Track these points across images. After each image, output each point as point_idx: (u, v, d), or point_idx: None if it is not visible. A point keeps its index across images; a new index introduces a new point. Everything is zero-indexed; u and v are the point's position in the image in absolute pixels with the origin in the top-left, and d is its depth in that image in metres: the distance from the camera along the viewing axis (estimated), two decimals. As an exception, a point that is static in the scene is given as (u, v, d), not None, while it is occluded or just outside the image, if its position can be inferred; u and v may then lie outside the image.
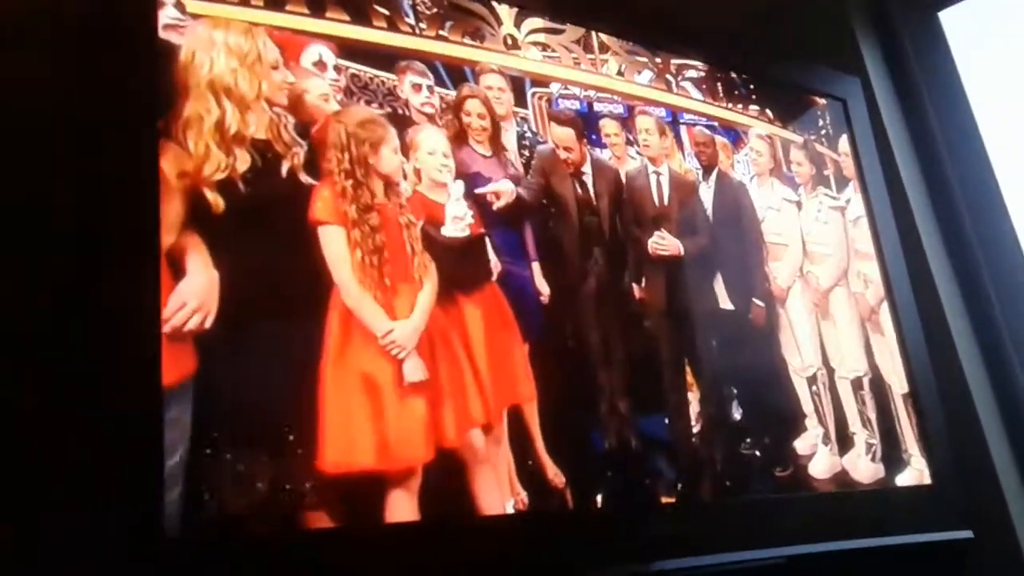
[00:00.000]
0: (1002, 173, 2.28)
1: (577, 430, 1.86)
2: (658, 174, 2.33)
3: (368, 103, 1.88)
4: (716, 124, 2.54)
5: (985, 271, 2.29)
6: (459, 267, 1.81)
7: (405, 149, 1.82)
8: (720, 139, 2.53)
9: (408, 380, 1.62)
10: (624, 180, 2.27)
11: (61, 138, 1.49)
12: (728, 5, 2.39)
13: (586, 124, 2.27)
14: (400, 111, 1.93)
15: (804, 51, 2.36)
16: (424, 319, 1.70)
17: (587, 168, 2.23)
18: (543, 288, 1.94)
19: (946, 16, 2.42)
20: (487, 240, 1.89)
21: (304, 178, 1.65)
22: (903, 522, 1.78)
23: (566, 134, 2.23)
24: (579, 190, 2.19)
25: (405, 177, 1.80)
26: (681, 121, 2.49)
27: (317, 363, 1.53)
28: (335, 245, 1.62)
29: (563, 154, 2.20)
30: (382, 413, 1.57)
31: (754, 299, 2.36)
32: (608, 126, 2.33)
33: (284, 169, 1.63)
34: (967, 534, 1.79)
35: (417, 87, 1.98)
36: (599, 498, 1.79)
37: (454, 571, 1.43)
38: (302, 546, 1.34)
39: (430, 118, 1.97)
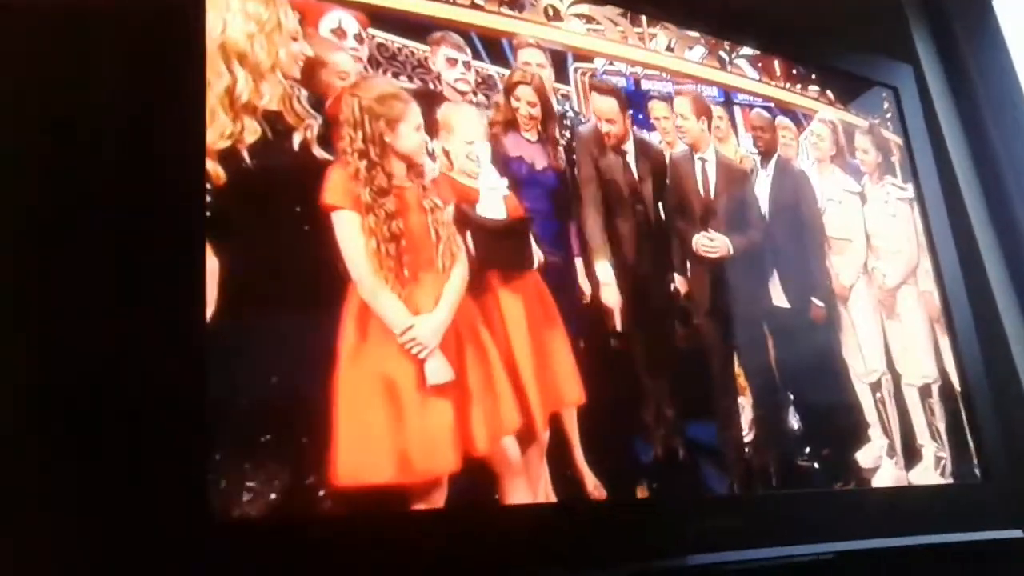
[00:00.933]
0: None
1: (621, 438, 1.73)
2: (703, 160, 2.16)
3: (396, 75, 1.73)
4: (772, 105, 2.34)
5: None
6: (497, 251, 1.69)
7: (434, 127, 1.69)
8: (782, 121, 2.35)
9: (431, 381, 1.48)
10: (668, 166, 2.08)
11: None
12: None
13: (632, 103, 2.09)
14: (432, 85, 1.77)
15: (856, 38, 2.31)
16: (451, 312, 1.57)
17: (629, 147, 2.05)
18: (585, 286, 1.81)
19: (1000, 5, 2.36)
20: (529, 223, 1.79)
21: (318, 152, 1.50)
22: (952, 520, 1.74)
23: (608, 105, 2.05)
24: (623, 173, 2.02)
25: (433, 158, 1.63)
26: (735, 102, 2.30)
27: (330, 364, 1.39)
28: (348, 232, 1.48)
29: (604, 127, 2.03)
30: (402, 418, 1.43)
31: (813, 298, 2.22)
32: (657, 108, 2.16)
33: (296, 142, 1.47)
34: (1018, 533, 1.74)
35: (452, 61, 1.82)
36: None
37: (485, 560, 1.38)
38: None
39: (464, 95, 1.80)
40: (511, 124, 1.87)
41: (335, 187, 1.49)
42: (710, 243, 2.07)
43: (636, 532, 1.54)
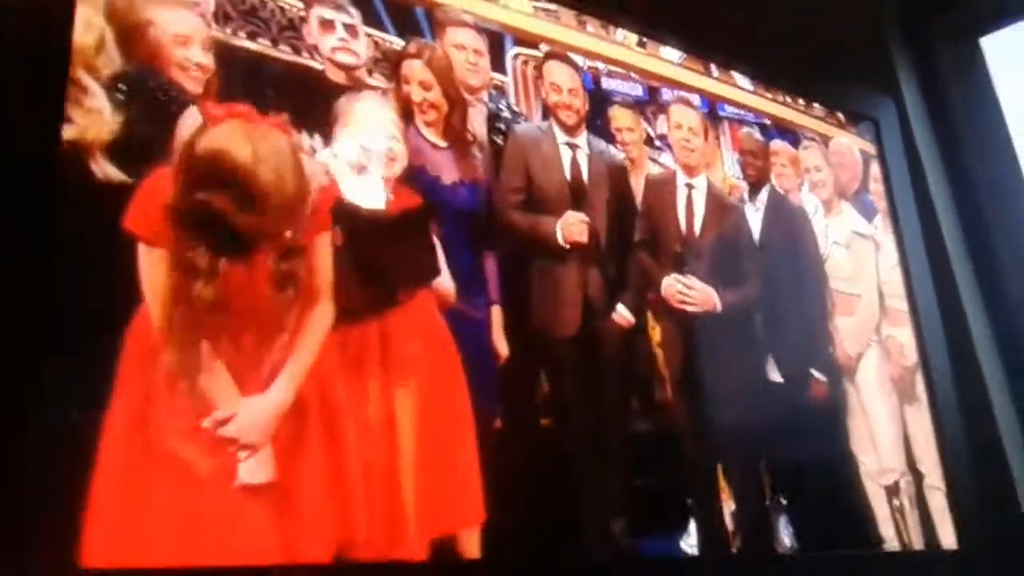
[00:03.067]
0: None
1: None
2: (691, 187, 1.74)
3: (253, 36, 1.26)
4: (767, 123, 1.90)
5: (1012, 293, 2.10)
6: (383, 258, 1.33)
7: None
8: (778, 144, 1.90)
9: (242, 481, 1.08)
10: (640, 191, 1.68)
11: None
12: (763, 17, 2.12)
13: (590, 105, 1.66)
14: (305, 55, 1.31)
15: (838, 70, 2.19)
16: (292, 390, 1.16)
17: (583, 157, 1.62)
18: (501, 346, 1.41)
19: (987, 43, 2.30)
20: (430, 212, 1.40)
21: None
22: None
23: (566, 77, 1.65)
24: (569, 188, 1.59)
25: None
26: (722, 115, 1.85)
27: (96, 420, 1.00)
28: (151, 273, 1.09)
29: (562, 114, 1.62)
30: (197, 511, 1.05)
31: (813, 370, 1.80)
32: (620, 116, 1.73)
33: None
34: None
35: (327, 25, 1.36)
36: None
37: None
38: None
39: (349, 72, 1.34)
40: (407, 116, 1.42)
41: (142, 213, 1.10)
42: (690, 292, 1.63)
43: None
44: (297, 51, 1.33)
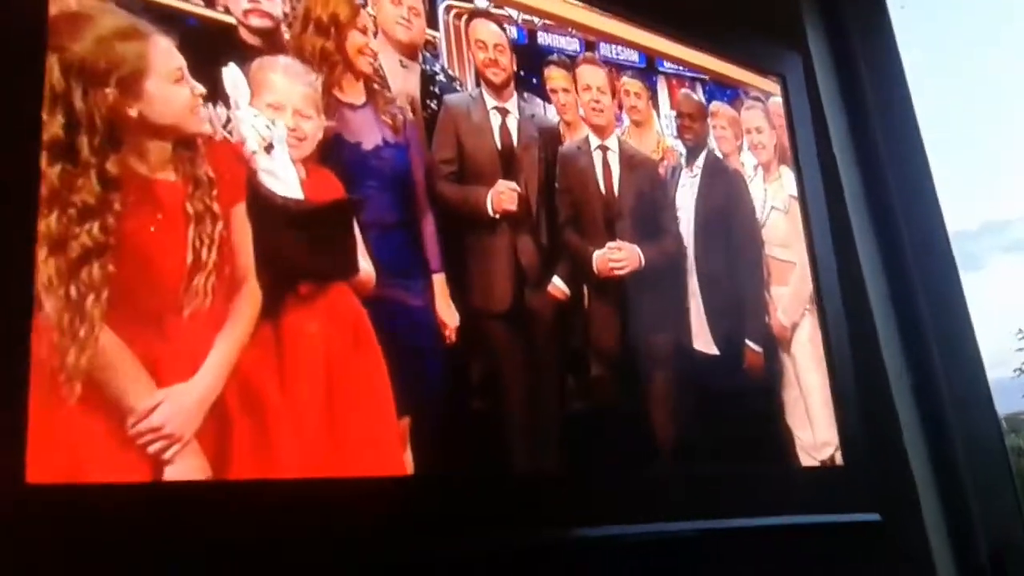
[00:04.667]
0: (937, 161, 2.26)
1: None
2: (604, 149, 1.70)
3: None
4: (706, 79, 1.86)
5: (910, 255, 2.14)
6: (300, 253, 1.24)
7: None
8: (718, 106, 1.86)
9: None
10: (558, 164, 1.63)
11: None
12: None
13: (522, 62, 1.60)
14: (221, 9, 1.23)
15: (748, 24, 2.15)
16: (220, 376, 1.09)
17: (512, 122, 1.56)
18: (450, 318, 1.36)
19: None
20: (353, 207, 1.31)
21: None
22: (813, 502, 1.74)
23: (492, 35, 1.58)
24: (502, 159, 1.53)
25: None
26: (660, 70, 1.80)
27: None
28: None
29: (490, 73, 1.56)
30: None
31: (748, 341, 1.79)
32: (556, 75, 1.67)
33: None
34: (875, 517, 1.76)
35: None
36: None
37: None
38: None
39: (265, 37, 1.25)
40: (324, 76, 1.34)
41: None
42: (618, 254, 1.61)
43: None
44: (211, 4, 1.24)
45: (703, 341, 1.70)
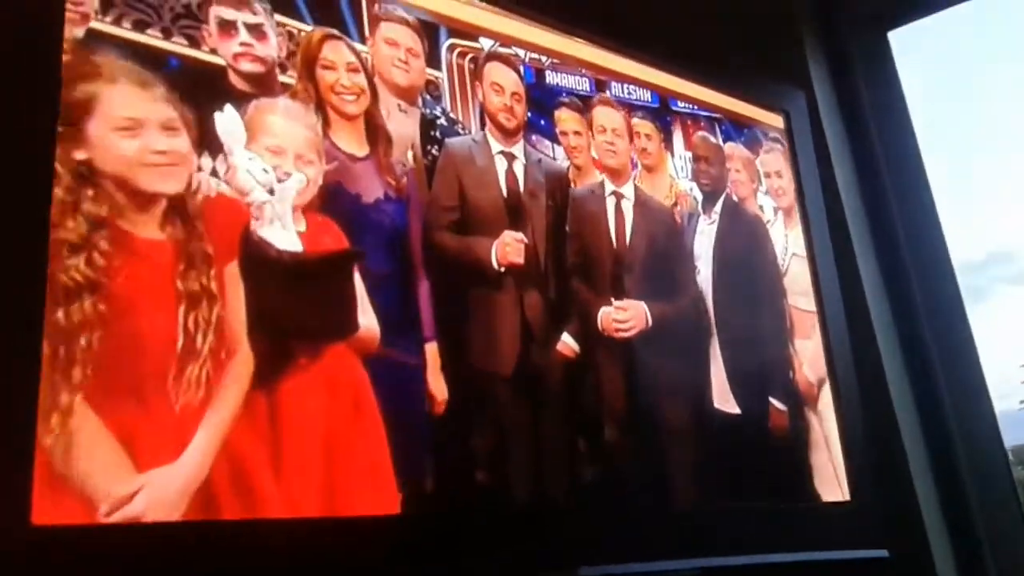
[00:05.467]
0: (941, 195, 2.28)
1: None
2: (619, 196, 1.62)
3: (141, 25, 1.08)
4: (720, 117, 1.79)
5: (916, 288, 2.17)
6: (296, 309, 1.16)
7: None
8: (735, 149, 1.78)
9: None
10: (569, 207, 1.55)
11: None
12: (676, 10, 2.10)
13: (530, 102, 1.53)
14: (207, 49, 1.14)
15: (751, 63, 2.18)
16: (208, 458, 1.01)
17: (519, 168, 1.48)
18: (439, 390, 1.26)
19: (895, 36, 2.39)
20: (355, 259, 1.23)
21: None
22: (820, 538, 1.68)
23: (506, 78, 1.51)
24: (506, 209, 1.45)
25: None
26: (674, 110, 1.72)
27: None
28: None
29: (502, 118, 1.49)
30: None
31: (772, 399, 1.69)
32: (567, 118, 1.59)
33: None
34: (883, 553, 1.72)
35: (227, 28, 1.18)
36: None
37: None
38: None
39: (256, 82, 1.17)
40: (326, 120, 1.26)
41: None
42: (622, 315, 1.52)
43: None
44: (195, 43, 1.15)
45: (724, 399, 1.61)
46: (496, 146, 1.46)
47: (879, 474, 1.85)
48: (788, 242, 1.81)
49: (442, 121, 1.41)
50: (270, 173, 1.13)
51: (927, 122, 2.35)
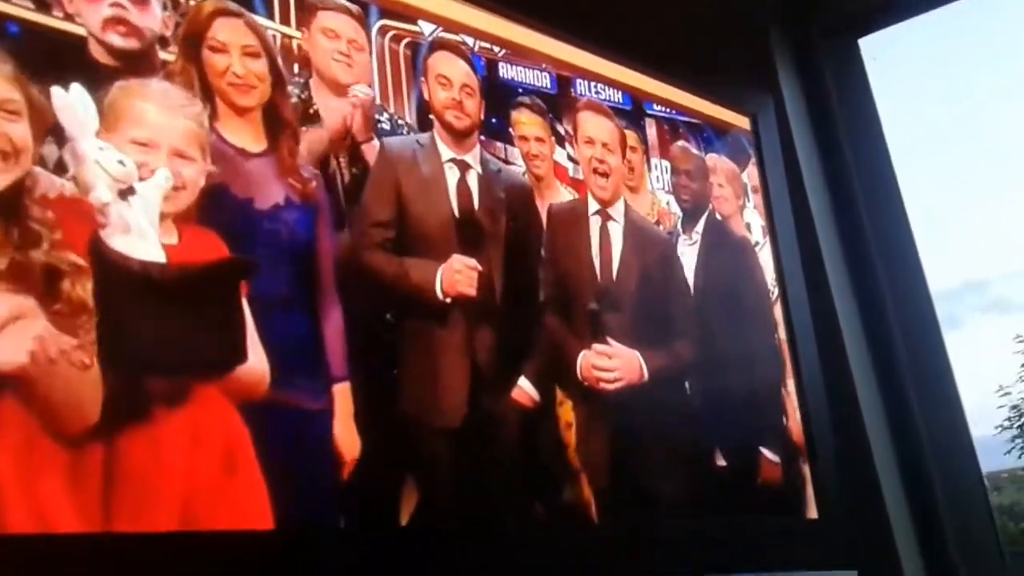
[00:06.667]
0: (911, 199, 2.23)
1: None
2: (605, 217, 1.40)
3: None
4: (698, 122, 1.63)
5: (889, 301, 2.08)
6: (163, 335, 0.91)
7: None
8: (718, 160, 1.57)
9: None
10: (545, 224, 1.31)
11: None
12: (644, 12, 1.93)
13: (486, 100, 1.30)
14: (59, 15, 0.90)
15: (720, 66, 2.04)
16: None
17: (474, 180, 1.24)
18: (348, 445, 1.01)
19: (865, 44, 2.36)
20: (243, 270, 0.98)
21: None
22: (788, 557, 1.58)
23: (457, 71, 1.28)
24: (456, 229, 1.20)
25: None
26: (649, 113, 1.49)
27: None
28: None
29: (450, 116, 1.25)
30: None
31: (763, 448, 1.49)
32: (528, 121, 1.36)
33: None
34: (852, 574, 1.67)
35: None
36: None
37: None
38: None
39: (130, 60, 0.95)
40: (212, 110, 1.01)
41: None
42: (607, 364, 1.26)
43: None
44: (45, 6, 0.90)
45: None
46: (446, 152, 1.23)
47: (849, 494, 1.77)
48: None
49: (384, 124, 1.18)
50: (127, 166, 0.87)
51: (895, 144, 2.29)
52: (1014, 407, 2.98)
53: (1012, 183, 2.54)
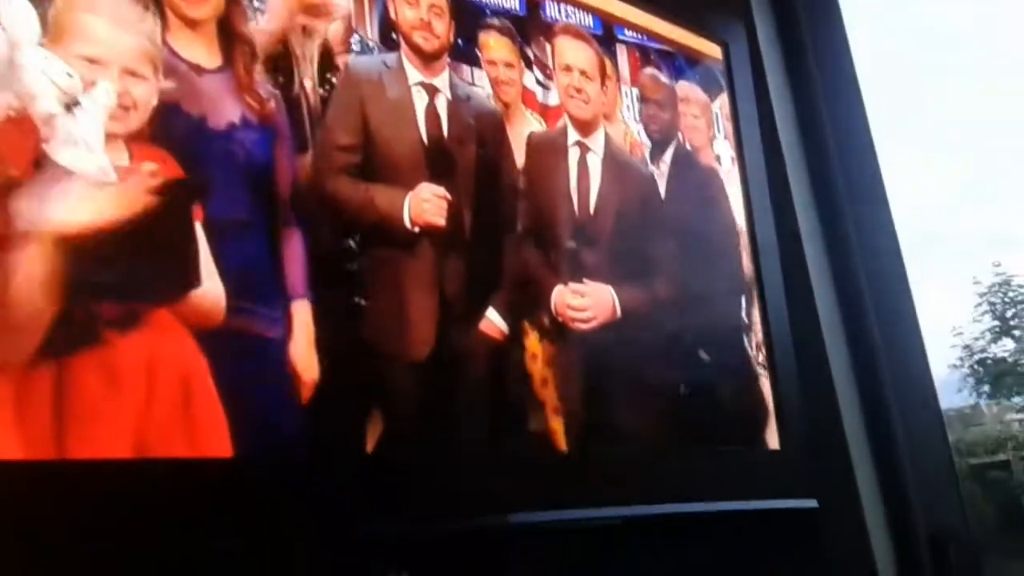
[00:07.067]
0: (880, 134, 2.24)
1: None
2: (584, 149, 1.35)
3: None
4: (670, 50, 1.57)
5: (854, 236, 2.08)
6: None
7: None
8: (687, 88, 1.53)
9: None
10: (520, 150, 1.27)
11: None
12: None
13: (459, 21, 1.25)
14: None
15: None
16: None
17: (443, 105, 1.20)
18: (306, 367, 0.97)
19: None
20: (197, 190, 0.94)
21: None
22: (748, 487, 1.65)
23: None
24: (425, 156, 1.16)
25: None
26: (620, 39, 1.45)
27: None
28: None
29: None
30: None
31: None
32: (497, 45, 1.30)
33: None
34: (812, 503, 1.72)
35: None
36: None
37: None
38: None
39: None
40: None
41: None
42: (580, 302, 1.25)
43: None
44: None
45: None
46: (414, 75, 1.18)
47: (810, 424, 1.80)
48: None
49: (355, 46, 1.13)
50: (74, 78, 0.82)
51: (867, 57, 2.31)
52: (966, 347, 3.10)
53: (984, 113, 2.61)
